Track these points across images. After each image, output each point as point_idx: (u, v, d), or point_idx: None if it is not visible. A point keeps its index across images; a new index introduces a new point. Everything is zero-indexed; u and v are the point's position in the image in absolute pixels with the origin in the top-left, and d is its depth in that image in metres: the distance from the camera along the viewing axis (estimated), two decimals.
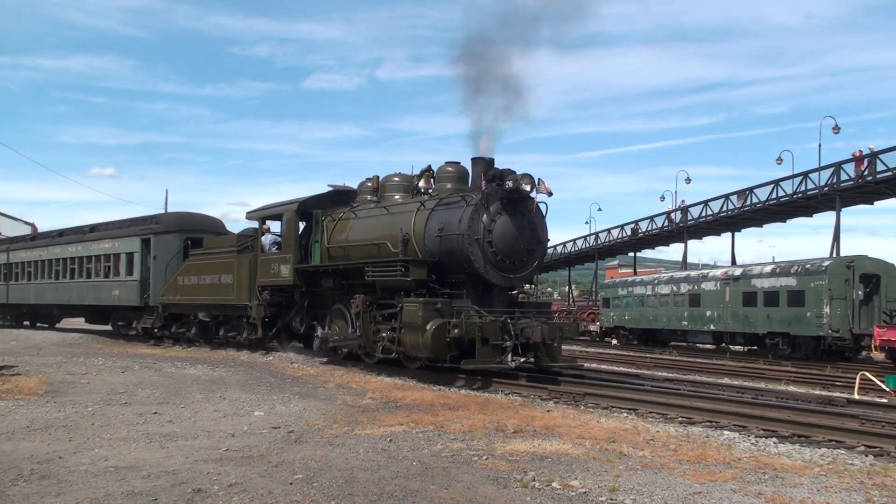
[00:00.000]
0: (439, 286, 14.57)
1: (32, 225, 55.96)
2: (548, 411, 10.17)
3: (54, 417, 9.11)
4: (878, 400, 12.76)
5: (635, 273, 46.14)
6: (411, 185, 16.56)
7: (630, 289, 33.82)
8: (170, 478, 6.18)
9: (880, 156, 30.20)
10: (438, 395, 11.56)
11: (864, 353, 23.49)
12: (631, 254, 51.77)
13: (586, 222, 68.71)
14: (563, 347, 15.93)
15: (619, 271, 73.33)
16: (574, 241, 54.06)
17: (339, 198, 18.16)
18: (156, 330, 23.25)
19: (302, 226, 18.19)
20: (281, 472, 6.41)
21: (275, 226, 19.18)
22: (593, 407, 10.97)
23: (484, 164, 14.78)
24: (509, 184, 14.27)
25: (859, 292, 23.20)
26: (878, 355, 21.86)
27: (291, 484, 6.02)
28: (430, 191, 15.98)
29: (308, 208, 17.96)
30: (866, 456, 7.83)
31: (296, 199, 18.39)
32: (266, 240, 18.91)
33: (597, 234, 51.85)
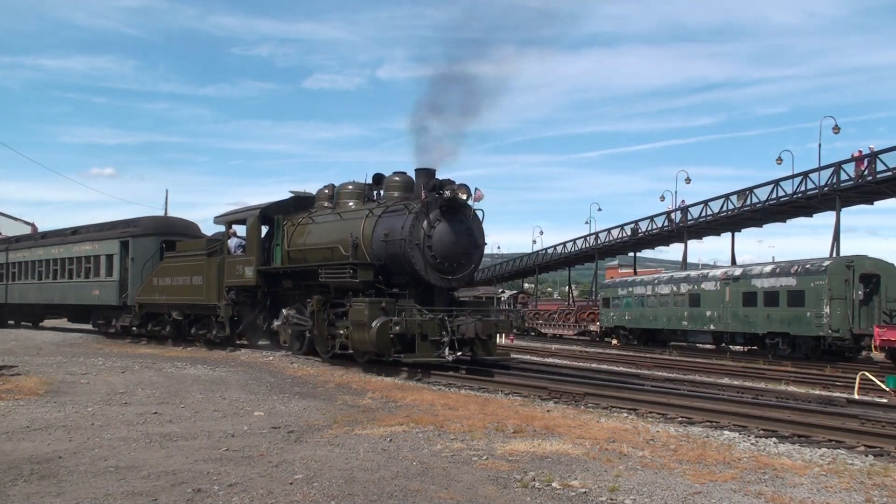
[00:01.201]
0: (386, 287, 15.78)
1: (32, 225, 55.93)
2: (548, 411, 10.17)
3: (54, 417, 9.11)
4: (878, 400, 12.76)
5: (635, 273, 46.13)
6: (363, 192, 17.80)
7: (630, 289, 33.82)
8: (170, 478, 6.18)
9: (880, 156, 30.20)
10: (438, 395, 11.56)
11: (864, 353, 23.50)
12: (631, 254, 51.73)
13: (586, 222, 68.83)
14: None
15: (619, 271, 73.33)
16: (574, 241, 54.02)
17: (300, 204, 19.39)
18: (133, 328, 24.47)
19: (265, 230, 19.41)
20: (281, 472, 6.41)
21: (241, 230, 20.26)
22: (593, 407, 10.96)
23: (426, 174, 16.04)
24: (447, 193, 15.54)
25: (859, 292, 23.20)
26: (878, 355, 21.87)
27: (291, 484, 6.02)
28: (380, 199, 17.28)
29: (270, 213, 19.23)
30: (866, 456, 7.83)
31: (259, 204, 19.71)
32: (232, 243, 20.15)
33: (597, 234, 51.82)
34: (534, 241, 63.50)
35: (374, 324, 14.69)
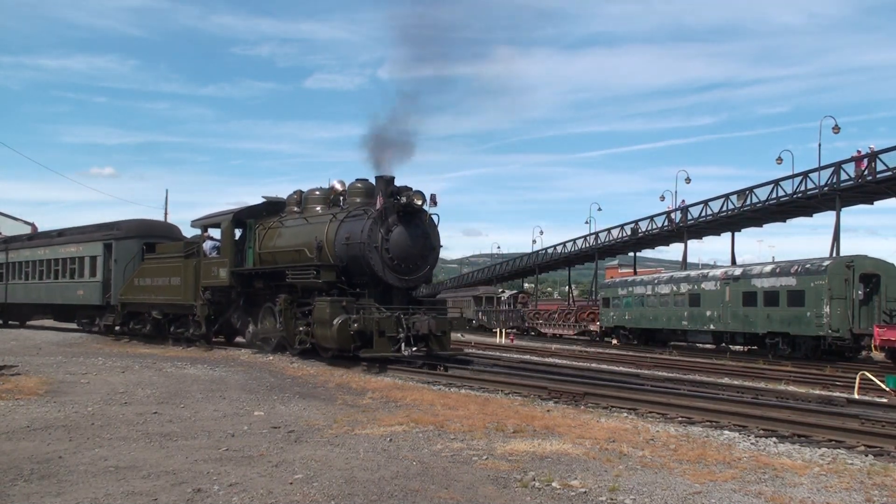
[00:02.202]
0: (348, 287, 16.86)
1: (32, 225, 55.90)
2: (548, 411, 10.17)
3: (54, 417, 9.10)
4: (878, 400, 12.76)
5: (635, 273, 46.12)
6: (329, 198, 18.91)
7: (630, 289, 33.81)
8: (170, 477, 6.18)
9: (880, 156, 30.18)
10: (438, 395, 11.56)
11: (864, 352, 23.49)
12: (631, 254, 51.72)
13: (586, 222, 68.76)
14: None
15: (619, 271, 73.32)
16: (574, 240, 53.97)
17: (271, 208, 20.51)
18: (116, 327, 25.65)
19: (239, 233, 20.39)
20: (281, 472, 6.41)
21: (217, 233, 21.21)
22: (593, 407, 10.97)
23: (385, 181, 16.98)
24: (403, 199, 16.70)
25: (859, 292, 23.19)
26: (878, 355, 21.86)
27: (291, 484, 6.02)
28: (344, 204, 18.31)
29: (243, 218, 20.36)
30: (866, 456, 7.83)
31: (232, 209, 20.90)
32: (207, 246, 21.23)
33: (597, 233, 51.77)
34: (534, 241, 63.55)
35: (335, 321, 15.82)
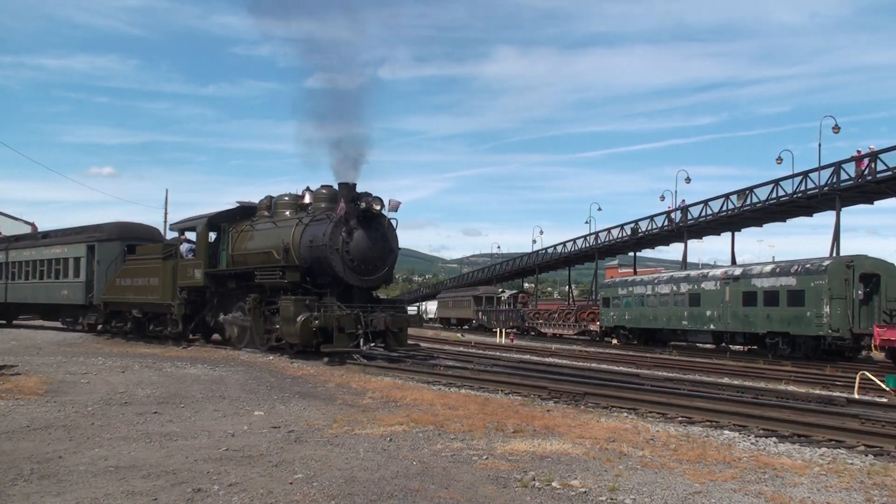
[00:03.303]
0: (312, 287, 17.99)
1: (32, 225, 55.91)
2: (548, 411, 10.17)
3: (54, 417, 9.10)
4: (878, 400, 12.75)
5: (635, 273, 46.11)
6: (297, 203, 20.03)
7: (630, 288, 33.80)
8: (170, 477, 6.18)
9: (880, 155, 30.16)
10: (438, 395, 11.56)
11: (864, 352, 23.48)
12: (631, 253, 51.70)
13: (586, 222, 68.61)
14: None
15: (619, 271, 73.30)
16: (574, 240, 53.97)
17: (244, 213, 21.63)
18: (99, 326, 26.72)
19: (214, 236, 21.54)
20: (281, 472, 6.41)
21: (193, 236, 22.38)
22: (593, 407, 10.96)
23: (347, 188, 18.16)
24: (363, 204, 17.79)
25: (859, 292, 23.18)
26: (878, 355, 21.86)
27: (291, 483, 6.02)
28: (310, 209, 19.33)
29: (217, 221, 21.50)
30: (866, 456, 7.83)
31: (207, 213, 22.01)
32: (184, 248, 22.31)
33: (597, 233, 51.75)
34: (534, 241, 63.46)
35: (298, 318, 17.01)
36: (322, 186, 19.61)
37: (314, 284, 18.08)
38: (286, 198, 20.41)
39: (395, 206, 18.55)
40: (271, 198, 20.82)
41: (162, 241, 25.57)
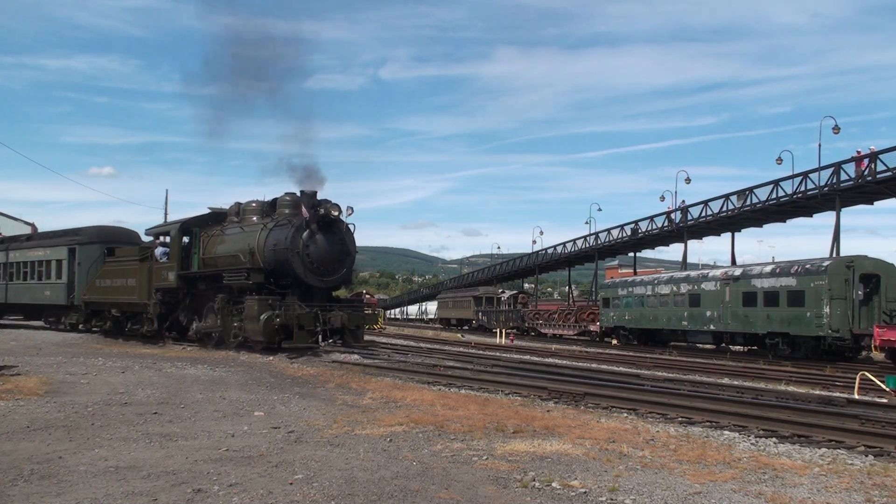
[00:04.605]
0: (276, 287, 19.20)
1: (32, 225, 55.84)
2: (548, 411, 10.17)
3: (54, 417, 9.10)
4: (878, 400, 12.75)
5: (635, 273, 46.10)
6: (263, 209, 21.41)
7: (630, 289, 33.80)
8: (170, 478, 6.18)
9: (880, 156, 30.14)
10: (438, 395, 11.56)
11: (864, 353, 23.47)
12: (631, 254, 51.67)
13: (586, 222, 68.64)
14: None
15: (619, 271, 73.28)
16: (574, 241, 53.94)
17: (215, 218, 23.16)
18: (80, 325, 27.98)
19: (187, 240, 22.77)
20: (281, 472, 6.41)
21: (168, 240, 23.54)
22: (593, 407, 10.96)
23: (307, 195, 19.57)
24: (321, 210, 19.13)
25: (859, 292, 23.17)
26: (878, 355, 21.85)
27: (291, 484, 6.02)
28: (276, 214, 20.65)
29: (190, 226, 22.85)
30: (866, 456, 7.83)
31: (180, 219, 23.71)
32: (158, 251, 23.45)
33: (597, 234, 51.71)
34: (534, 241, 63.38)
35: (261, 317, 18.16)
36: (286, 194, 20.86)
37: (277, 285, 19.28)
38: (253, 204, 21.74)
39: (350, 213, 20.16)
40: (239, 204, 22.17)
41: (139, 244, 26.62)
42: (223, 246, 21.46)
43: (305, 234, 19.07)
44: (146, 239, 26.04)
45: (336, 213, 19.46)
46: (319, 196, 19.81)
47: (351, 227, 20.18)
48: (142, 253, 24.33)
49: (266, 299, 18.58)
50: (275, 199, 21.31)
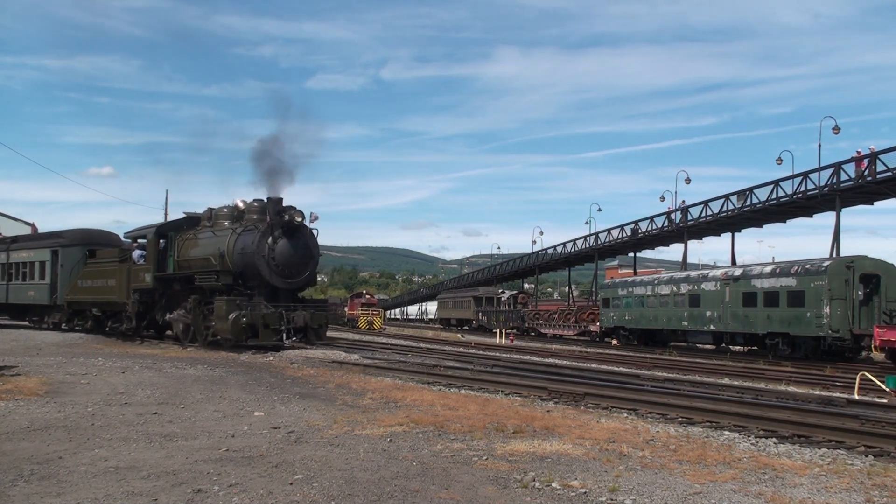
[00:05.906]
0: (244, 289, 20.47)
1: (32, 225, 55.86)
2: (548, 411, 10.17)
3: (54, 418, 9.10)
4: (878, 400, 12.76)
5: (635, 273, 46.11)
6: (233, 214, 22.61)
7: (630, 289, 33.81)
8: (170, 478, 6.18)
9: (880, 156, 30.14)
10: (438, 396, 11.56)
11: (864, 353, 23.48)
12: (631, 254, 51.68)
13: (586, 222, 68.60)
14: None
15: (619, 271, 73.28)
16: (574, 241, 53.95)
17: (189, 222, 24.18)
18: (63, 325, 29.02)
19: (163, 243, 23.81)
20: (281, 473, 6.41)
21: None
22: (593, 407, 10.96)
23: (273, 202, 20.92)
24: (286, 216, 20.40)
25: (859, 292, 23.18)
26: (878, 355, 21.86)
27: (291, 484, 6.02)
28: (244, 220, 21.87)
29: (165, 230, 24.09)
30: (866, 456, 7.84)
31: (156, 223, 25.20)
32: (135, 254, 24.44)
33: (597, 234, 51.72)
34: (534, 242, 63.39)
35: (230, 316, 19.38)
36: (254, 200, 22.06)
37: (245, 286, 20.53)
38: (224, 209, 22.89)
39: (315, 219, 21.39)
40: (212, 209, 23.31)
41: (119, 247, 27.41)
42: (196, 249, 22.55)
43: (270, 238, 20.23)
44: (127, 241, 26.97)
45: (300, 219, 20.62)
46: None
47: (315, 231, 21.39)
48: (121, 255, 25.31)
49: (234, 300, 19.76)
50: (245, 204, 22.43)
